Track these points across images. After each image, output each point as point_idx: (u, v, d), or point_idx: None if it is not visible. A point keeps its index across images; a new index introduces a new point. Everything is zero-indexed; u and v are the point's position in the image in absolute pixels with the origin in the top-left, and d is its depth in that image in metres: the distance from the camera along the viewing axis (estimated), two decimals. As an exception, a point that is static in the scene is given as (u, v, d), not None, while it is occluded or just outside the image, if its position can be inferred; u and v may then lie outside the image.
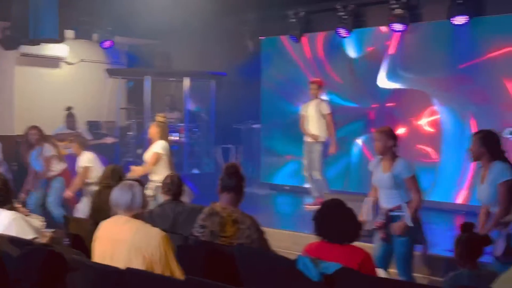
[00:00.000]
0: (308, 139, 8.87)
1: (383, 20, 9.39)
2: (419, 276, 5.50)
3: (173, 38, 11.35)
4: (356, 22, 9.87)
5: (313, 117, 8.78)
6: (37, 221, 4.83)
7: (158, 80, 11.71)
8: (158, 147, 7.10)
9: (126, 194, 3.72)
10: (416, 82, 9.45)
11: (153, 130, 7.25)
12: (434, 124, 9.27)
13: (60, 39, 9.34)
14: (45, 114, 10.42)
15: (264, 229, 4.29)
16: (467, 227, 3.87)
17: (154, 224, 4.28)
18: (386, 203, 5.03)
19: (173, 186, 5.05)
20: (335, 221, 3.59)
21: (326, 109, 8.74)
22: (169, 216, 4.83)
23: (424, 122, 9.37)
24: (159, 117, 7.47)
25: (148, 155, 7.17)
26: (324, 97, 9.21)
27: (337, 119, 9.01)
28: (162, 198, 5.34)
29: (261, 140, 11.25)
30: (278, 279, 3.67)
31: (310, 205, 8.68)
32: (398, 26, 9.15)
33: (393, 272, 5.13)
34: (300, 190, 10.12)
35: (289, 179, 10.88)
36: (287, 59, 10.95)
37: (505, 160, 4.66)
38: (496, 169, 4.58)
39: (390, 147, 4.99)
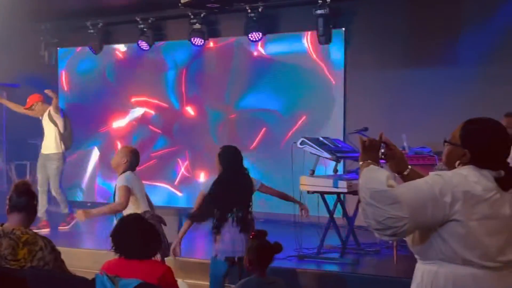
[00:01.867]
0: (44, 151, 8.36)
1: (183, 34, 9.52)
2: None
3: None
4: (157, 35, 9.89)
5: (45, 128, 8.32)
6: None
7: None
8: None
9: None
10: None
11: None
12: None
13: None
14: None
15: (62, 249, 4.05)
16: (259, 235, 3.98)
17: None
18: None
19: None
20: (132, 237, 3.50)
21: (58, 118, 8.27)
22: (-49, 242, 4.36)
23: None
24: None
25: None
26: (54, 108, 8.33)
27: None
28: None
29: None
30: (75, 301, 3.48)
31: (63, 226, 8.34)
32: (197, 41, 9.33)
33: (193, 283, 5.17)
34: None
35: (91, 195, 10.52)
36: (86, 70, 10.63)
37: (226, 174, 5.00)
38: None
39: (124, 164, 5.23)
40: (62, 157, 8.30)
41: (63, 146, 8.29)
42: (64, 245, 6.21)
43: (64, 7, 9.52)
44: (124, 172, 5.22)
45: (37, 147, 10.60)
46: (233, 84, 9.60)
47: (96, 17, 9.99)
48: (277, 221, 8.60)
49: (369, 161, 2.58)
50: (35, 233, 3.80)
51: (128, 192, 5.10)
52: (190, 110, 10.02)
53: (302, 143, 6.63)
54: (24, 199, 3.79)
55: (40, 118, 8.43)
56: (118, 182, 5.18)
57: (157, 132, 10.32)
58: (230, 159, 5.04)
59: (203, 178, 9.86)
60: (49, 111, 8.24)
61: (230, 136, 9.61)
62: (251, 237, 3.98)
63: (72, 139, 8.55)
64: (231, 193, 4.91)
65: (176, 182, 10.16)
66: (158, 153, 10.29)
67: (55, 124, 8.22)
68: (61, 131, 8.25)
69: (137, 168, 5.34)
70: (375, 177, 2.44)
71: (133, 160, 5.27)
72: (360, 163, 2.61)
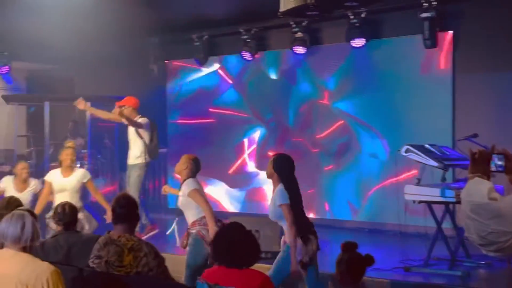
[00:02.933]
0: (129, 161, 8.36)
1: (285, 43, 9.55)
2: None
3: (76, 63, 11.05)
4: (260, 45, 10.01)
5: (131, 139, 8.32)
6: None
7: (59, 106, 11.33)
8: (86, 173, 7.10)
9: (14, 225, 3.48)
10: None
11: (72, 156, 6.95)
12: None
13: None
14: None
15: (166, 255, 4.17)
16: (349, 247, 3.84)
17: (46, 256, 4.06)
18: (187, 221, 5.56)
19: (65, 216, 4.81)
20: (232, 246, 3.51)
21: (144, 132, 8.23)
22: (63, 248, 4.59)
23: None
24: (70, 143, 7.40)
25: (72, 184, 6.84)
26: (141, 118, 8.34)
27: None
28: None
29: (168, 164, 11.08)
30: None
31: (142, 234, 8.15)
32: (299, 49, 9.33)
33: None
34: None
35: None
36: (193, 82, 10.91)
37: (289, 183, 4.94)
38: (276, 191, 4.94)
39: (185, 169, 5.55)
40: (144, 167, 8.32)
41: (147, 157, 8.29)
42: (168, 251, 6.41)
43: (171, 22, 9.84)
44: (186, 179, 5.51)
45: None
46: (338, 81, 9.42)
47: (201, 30, 10.27)
48: (382, 231, 8.40)
49: (478, 174, 2.42)
50: (140, 239, 3.94)
51: (201, 192, 5.46)
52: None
53: (406, 151, 6.42)
54: (126, 210, 4.01)
55: (125, 122, 8.39)
56: (188, 189, 5.42)
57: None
58: (288, 167, 5.04)
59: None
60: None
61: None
62: (341, 249, 3.84)
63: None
64: (300, 199, 5.01)
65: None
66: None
67: (141, 137, 8.27)
68: (147, 143, 8.31)
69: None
70: (477, 189, 2.31)
71: (193, 168, 5.59)
72: (469, 175, 2.47)
